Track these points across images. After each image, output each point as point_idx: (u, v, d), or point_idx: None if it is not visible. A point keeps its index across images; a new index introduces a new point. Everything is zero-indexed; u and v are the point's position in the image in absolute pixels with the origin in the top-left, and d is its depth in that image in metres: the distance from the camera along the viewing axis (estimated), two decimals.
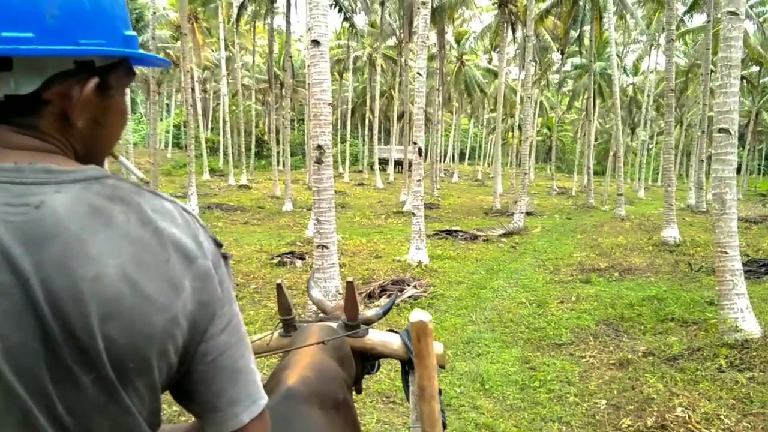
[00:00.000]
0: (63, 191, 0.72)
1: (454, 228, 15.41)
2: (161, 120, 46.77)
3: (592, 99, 26.87)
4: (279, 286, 1.78)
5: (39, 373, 0.69)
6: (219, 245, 0.86)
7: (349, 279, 1.76)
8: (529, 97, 18.34)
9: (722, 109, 6.13)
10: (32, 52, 0.74)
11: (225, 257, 0.87)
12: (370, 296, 7.65)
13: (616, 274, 9.72)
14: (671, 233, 13.02)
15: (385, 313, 1.85)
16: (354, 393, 1.76)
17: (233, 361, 0.85)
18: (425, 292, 8.24)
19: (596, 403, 4.51)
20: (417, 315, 1.32)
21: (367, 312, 1.82)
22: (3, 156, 0.73)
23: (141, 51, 0.86)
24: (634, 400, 4.52)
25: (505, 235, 14.94)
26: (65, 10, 0.76)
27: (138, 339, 0.72)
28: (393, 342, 1.76)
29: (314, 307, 2.06)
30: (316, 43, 7.06)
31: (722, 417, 4.15)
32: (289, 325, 1.80)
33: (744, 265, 6.66)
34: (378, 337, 1.78)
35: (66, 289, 0.68)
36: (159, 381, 0.78)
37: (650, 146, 48.65)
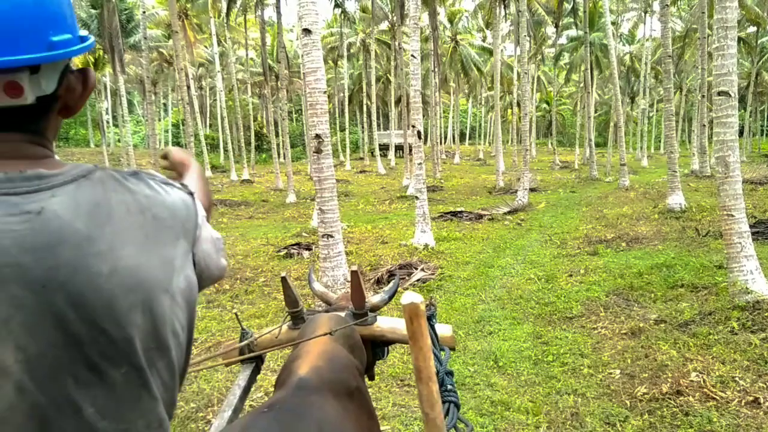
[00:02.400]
0: (58, 195, 0.73)
1: (458, 209, 15.39)
2: (159, 120, 46.75)
3: (589, 71, 26.61)
4: (284, 279, 1.76)
5: (62, 380, 0.69)
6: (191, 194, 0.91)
7: (354, 267, 1.76)
8: (525, 73, 18.22)
9: (721, 72, 6.06)
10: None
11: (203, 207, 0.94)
12: (379, 282, 7.67)
13: (624, 245, 9.70)
14: (676, 200, 12.97)
15: (390, 297, 1.85)
16: (367, 380, 1.77)
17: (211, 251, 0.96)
18: (433, 274, 8.25)
19: (610, 374, 4.52)
20: (408, 297, 1.32)
21: (373, 298, 1.81)
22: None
23: None
24: (648, 367, 4.53)
25: (510, 212, 14.91)
26: (70, 6, 0.80)
27: (156, 321, 0.76)
28: (402, 328, 1.76)
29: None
30: (307, 32, 7.02)
31: (737, 379, 4.16)
32: (297, 318, 1.80)
33: (751, 226, 6.63)
34: (387, 323, 1.78)
35: (87, 289, 0.70)
36: (175, 360, 0.81)
37: (651, 114, 48.31)
